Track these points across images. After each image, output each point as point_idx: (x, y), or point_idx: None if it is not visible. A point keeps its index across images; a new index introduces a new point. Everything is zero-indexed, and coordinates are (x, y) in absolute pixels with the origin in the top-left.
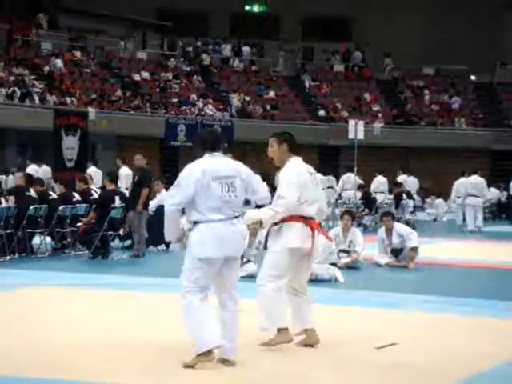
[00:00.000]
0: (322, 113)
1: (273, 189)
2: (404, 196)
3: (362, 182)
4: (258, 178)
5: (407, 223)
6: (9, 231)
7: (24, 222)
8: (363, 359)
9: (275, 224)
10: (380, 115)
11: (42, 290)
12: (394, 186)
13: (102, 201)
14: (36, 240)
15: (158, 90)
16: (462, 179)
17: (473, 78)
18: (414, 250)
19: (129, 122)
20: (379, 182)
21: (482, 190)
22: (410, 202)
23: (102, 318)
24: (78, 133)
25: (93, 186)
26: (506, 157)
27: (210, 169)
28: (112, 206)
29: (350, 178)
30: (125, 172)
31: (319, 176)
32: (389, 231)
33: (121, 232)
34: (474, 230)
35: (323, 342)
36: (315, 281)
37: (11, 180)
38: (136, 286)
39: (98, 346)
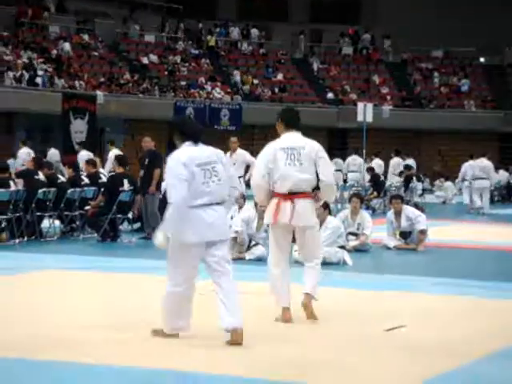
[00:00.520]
0: (330, 95)
1: None
2: (413, 179)
3: (371, 164)
4: (226, 160)
5: (416, 206)
6: (18, 214)
7: (33, 205)
8: (371, 341)
9: None
10: (389, 97)
11: (51, 273)
12: (404, 169)
13: (110, 184)
14: (45, 223)
15: (166, 73)
16: (471, 162)
17: (482, 60)
18: (423, 232)
19: (137, 105)
20: (377, 165)
21: (489, 173)
22: (419, 185)
23: (111, 300)
24: (87, 116)
25: (101, 170)
26: None
27: (193, 156)
28: (121, 189)
29: (356, 161)
30: (113, 154)
31: (317, 151)
32: (398, 214)
33: (130, 215)
34: (480, 211)
35: (331, 324)
36: (323, 264)
37: (19, 163)
38: (145, 268)
39: (107, 328)
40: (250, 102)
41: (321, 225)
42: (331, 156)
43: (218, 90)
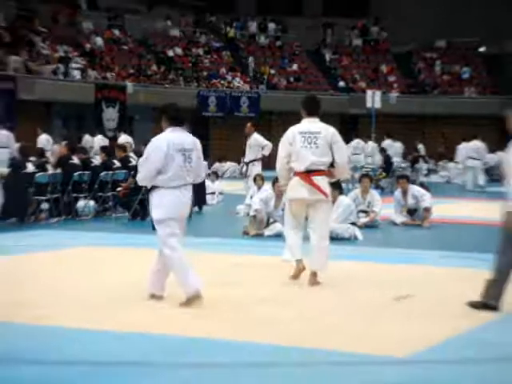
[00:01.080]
0: (341, 84)
1: None
2: (420, 160)
3: (383, 145)
4: (200, 149)
5: (421, 185)
6: (56, 196)
7: (69, 187)
8: (380, 307)
9: None
10: (395, 85)
11: (86, 250)
12: (413, 150)
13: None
14: (80, 204)
15: (190, 64)
16: (463, 144)
17: (482, 49)
18: (428, 209)
19: (163, 94)
20: (388, 145)
21: (482, 154)
22: (425, 166)
23: (141, 273)
24: (117, 105)
25: (131, 154)
26: None
27: (174, 142)
28: None
29: (359, 144)
30: (124, 140)
31: (332, 135)
32: (404, 193)
33: None
34: (475, 189)
35: (342, 293)
36: (336, 239)
37: (56, 149)
38: None
39: (139, 298)
40: (268, 90)
41: (333, 203)
42: (348, 140)
43: (237, 79)
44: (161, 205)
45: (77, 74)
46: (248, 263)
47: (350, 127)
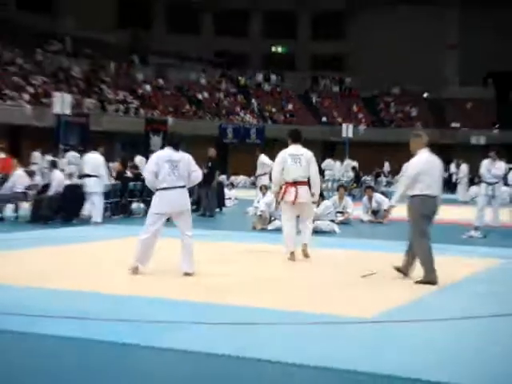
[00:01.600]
0: (324, 119)
1: None
2: (381, 175)
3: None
4: (194, 162)
5: (382, 193)
6: (116, 200)
7: (126, 193)
8: (350, 282)
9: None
10: (363, 120)
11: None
12: (377, 168)
13: None
14: (134, 205)
15: (213, 104)
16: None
17: (425, 95)
18: (387, 211)
19: (194, 126)
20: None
21: None
22: (384, 179)
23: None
24: (161, 134)
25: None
26: (448, 148)
27: (163, 155)
28: None
29: (330, 163)
30: (138, 160)
31: (310, 157)
32: (370, 199)
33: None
34: None
35: (322, 272)
36: (319, 232)
37: (115, 166)
38: (200, 236)
39: (176, 274)
40: (270, 123)
41: (318, 205)
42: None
43: (248, 116)
44: (153, 203)
45: (132, 112)
46: (255, 249)
47: (329, 151)
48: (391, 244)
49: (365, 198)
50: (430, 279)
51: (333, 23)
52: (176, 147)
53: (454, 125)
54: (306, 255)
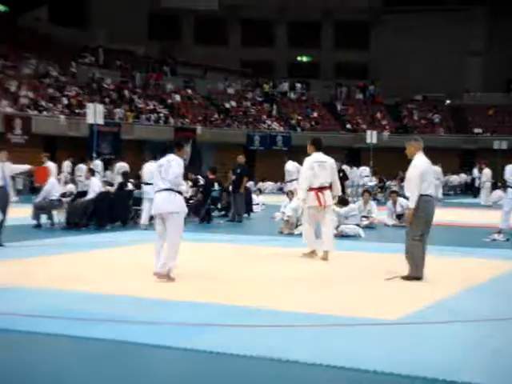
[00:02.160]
0: (348, 126)
1: None
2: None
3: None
4: (173, 163)
5: (406, 198)
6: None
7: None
8: (376, 283)
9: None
10: (387, 127)
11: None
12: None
13: (206, 186)
14: None
15: (241, 113)
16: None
17: (448, 101)
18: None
19: (222, 134)
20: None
21: (439, 175)
22: None
23: (206, 258)
24: (190, 142)
25: (199, 177)
26: (470, 153)
27: (158, 162)
28: (212, 189)
29: (347, 169)
30: (121, 167)
31: (332, 163)
32: (394, 203)
33: (218, 206)
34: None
35: (349, 273)
36: (345, 236)
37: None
38: (227, 240)
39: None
40: (296, 131)
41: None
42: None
43: (275, 123)
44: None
45: (162, 121)
46: (282, 253)
47: (355, 157)
48: None
49: (389, 203)
50: (417, 275)
51: (356, 32)
52: (165, 152)
53: (476, 130)
54: (324, 258)
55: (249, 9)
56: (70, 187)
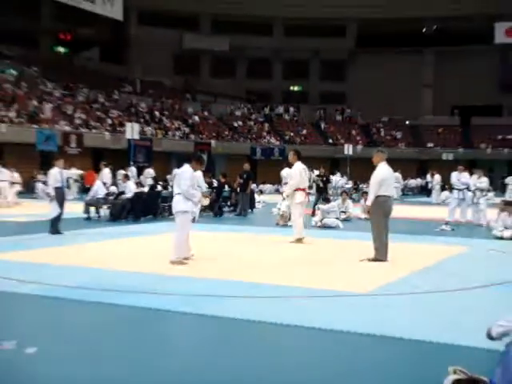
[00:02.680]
0: (330, 141)
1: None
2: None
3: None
4: (184, 176)
5: None
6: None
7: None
8: (350, 264)
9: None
10: (360, 142)
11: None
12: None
13: (218, 187)
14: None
15: (246, 130)
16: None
17: (407, 122)
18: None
19: (232, 147)
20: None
21: (399, 180)
22: None
23: (218, 244)
24: (206, 153)
25: (214, 180)
26: (424, 163)
27: (174, 171)
28: (223, 190)
29: (337, 176)
30: (148, 172)
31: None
32: (366, 201)
33: (228, 203)
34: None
35: (328, 256)
36: (327, 227)
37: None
38: (237, 230)
39: (219, 258)
40: (289, 144)
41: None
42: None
43: (272, 138)
44: None
45: (184, 137)
46: (278, 240)
47: (335, 166)
48: None
49: (362, 201)
50: (381, 258)
51: (336, 68)
52: (182, 163)
53: (429, 145)
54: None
55: (252, 50)
56: (113, 188)
